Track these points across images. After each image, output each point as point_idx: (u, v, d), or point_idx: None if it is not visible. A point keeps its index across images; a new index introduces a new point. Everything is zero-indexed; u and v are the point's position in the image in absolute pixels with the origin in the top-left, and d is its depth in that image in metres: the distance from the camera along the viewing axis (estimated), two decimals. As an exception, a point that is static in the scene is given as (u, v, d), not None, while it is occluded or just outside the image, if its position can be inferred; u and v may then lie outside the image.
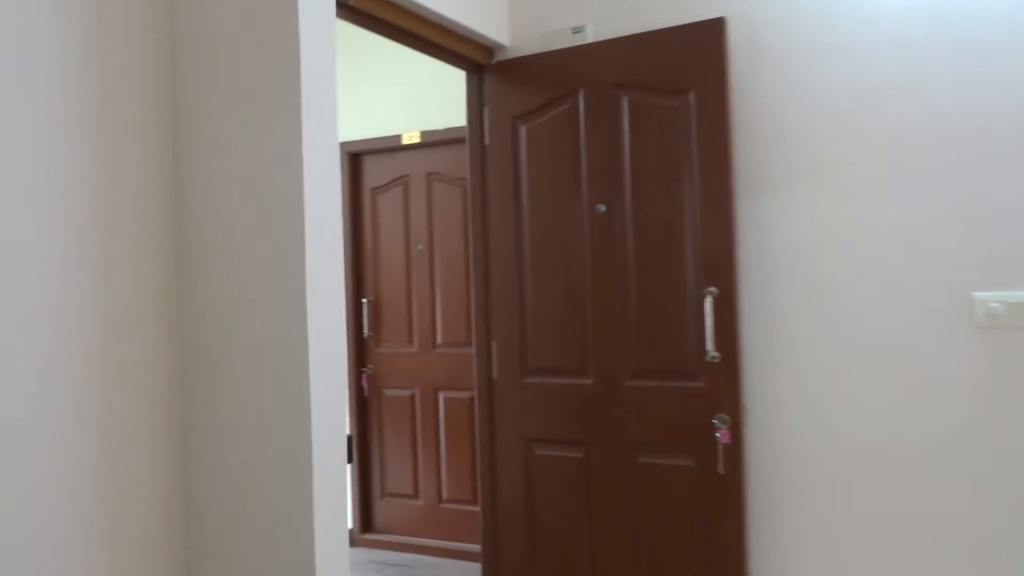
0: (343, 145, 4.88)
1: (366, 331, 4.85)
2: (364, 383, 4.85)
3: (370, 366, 4.85)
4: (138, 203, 2.09)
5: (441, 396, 4.68)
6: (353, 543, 4.84)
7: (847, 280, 2.72)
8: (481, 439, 3.21)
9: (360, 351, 4.89)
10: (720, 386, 2.74)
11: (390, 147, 4.78)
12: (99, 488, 1.97)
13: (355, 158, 4.91)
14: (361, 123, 4.85)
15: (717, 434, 2.73)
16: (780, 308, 2.81)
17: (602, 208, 2.94)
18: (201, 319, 2.20)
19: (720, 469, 2.73)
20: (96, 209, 1.98)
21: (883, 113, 2.66)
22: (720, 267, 2.75)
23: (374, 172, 4.88)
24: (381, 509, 4.85)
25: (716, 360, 2.74)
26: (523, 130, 3.12)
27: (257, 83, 2.12)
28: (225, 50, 2.16)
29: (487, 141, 3.21)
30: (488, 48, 3.19)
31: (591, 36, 3.08)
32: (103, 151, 2.01)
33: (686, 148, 2.81)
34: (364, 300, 4.86)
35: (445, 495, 4.66)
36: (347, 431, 4.87)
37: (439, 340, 4.68)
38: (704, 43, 2.78)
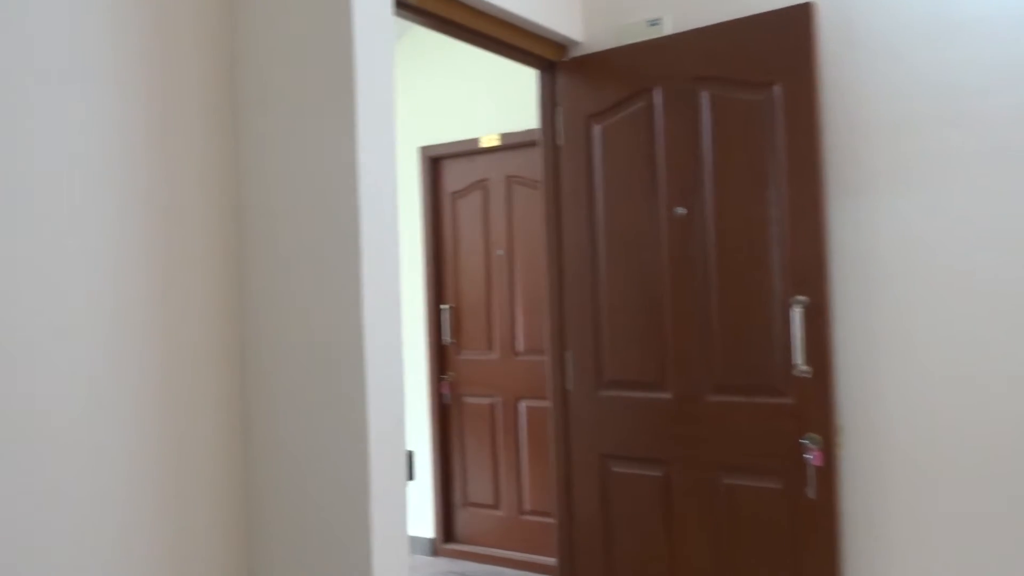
0: (423, 150, 4.83)
1: (447, 337, 4.78)
2: (445, 390, 4.78)
3: (451, 373, 4.78)
4: (198, 207, 2.05)
5: (522, 405, 4.56)
6: (435, 553, 4.77)
7: (957, 289, 2.45)
8: (555, 453, 3.07)
9: (440, 358, 4.82)
10: (810, 403, 2.52)
11: (469, 151, 4.69)
12: (159, 491, 1.93)
13: (434, 162, 4.85)
14: (440, 127, 4.78)
15: (807, 455, 2.50)
16: (878, 319, 2.56)
17: (681, 211, 2.76)
18: (260, 325, 2.15)
19: (810, 493, 2.51)
20: (157, 213, 1.94)
21: (1003, 102, 2.39)
22: (810, 274, 2.53)
23: (453, 176, 4.81)
24: (462, 519, 4.77)
25: (806, 375, 2.52)
26: (597, 129, 2.96)
27: (312, 82, 2.04)
28: (281, 49, 2.10)
29: (560, 142, 3.07)
30: (559, 44, 3.05)
31: (669, 28, 2.90)
32: (163, 154, 1.97)
33: (772, 145, 2.60)
34: (444, 306, 4.79)
35: (526, 506, 4.54)
36: (408, 446, 4.82)
37: (520, 347, 4.56)
38: (790, 31, 2.56)
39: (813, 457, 2.49)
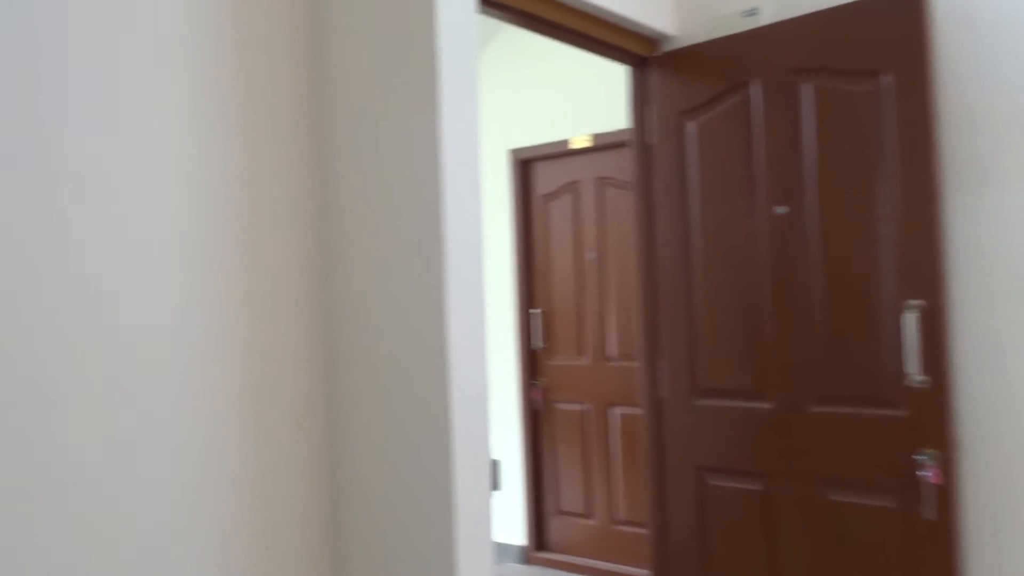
0: (512, 152, 4.77)
1: (538, 342, 4.70)
2: (536, 396, 4.70)
3: (542, 378, 4.70)
4: (282, 209, 2.04)
5: (614, 412, 4.45)
6: (526, 561, 4.70)
7: (1091, 290, 2.22)
8: (649, 464, 2.95)
9: (531, 363, 4.75)
10: (926, 416, 2.33)
11: (559, 152, 4.62)
12: (245, 506, 1.92)
13: (524, 165, 4.79)
14: (530, 129, 4.72)
15: (923, 472, 2.32)
16: (1004, 323, 2.35)
17: (782, 209, 2.61)
18: (344, 327, 2.12)
19: (927, 513, 2.32)
20: (241, 214, 1.94)
21: None
22: (925, 276, 2.34)
23: (544, 179, 4.74)
24: (554, 527, 4.68)
25: (921, 385, 2.33)
26: (691, 126, 2.83)
27: (395, 82, 2.00)
28: (364, 49, 2.07)
29: (652, 140, 2.95)
30: (651, 39, 2.94)
31: (766, 18, 2.75)
32: (246, 157, 1.97)
33: (880, 138, 2.42)
34: (535, 311, 4.72)
35: (620, 516, 4.42)
36: (496, 454, 4.75)
37: (612, 353, 4.45)
38: (901, 15, 2.38)
39: (930, 474, 2.30)
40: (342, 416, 2.12)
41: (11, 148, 1.57)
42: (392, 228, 2.02)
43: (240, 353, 1.94)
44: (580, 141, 4.51)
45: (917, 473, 2.34)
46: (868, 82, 2.45)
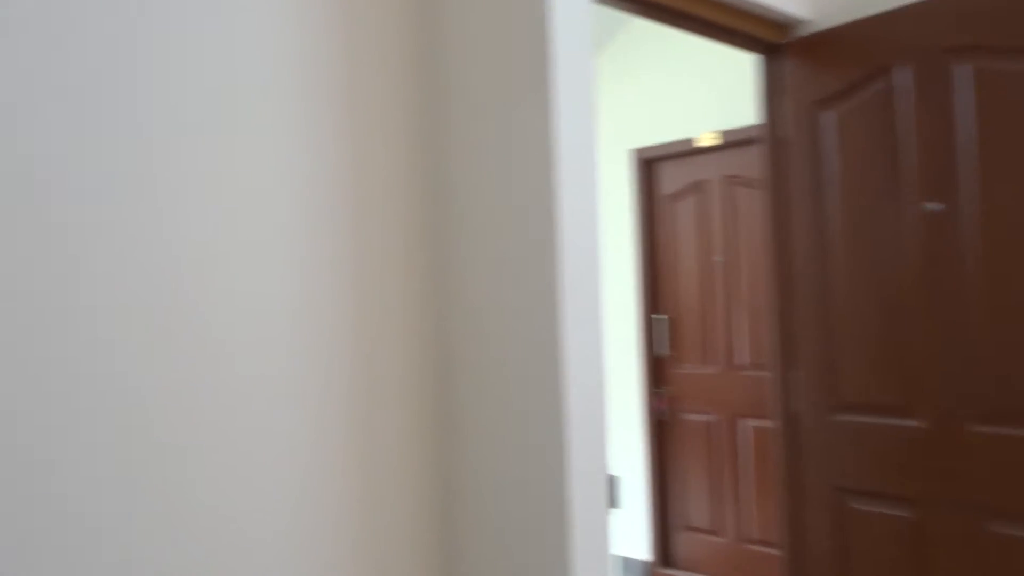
0: (636, 152, 4.61)
1: (662, 349, 4.52)
2: (661, 405, 4.52)
3: (667, 387, 4.51)
4: (391, 210, 1.98)
5: (744, 424, 4.21)
6: (650, 576, 4.52)
7: None
8: (782, 483, 2.73)
9: (656, 371, 4.57)
10: (1111, 439, 2.03)
11: (684, 151, 4.42)
12: (352, 514, 1.87)
13: (647, 165, 4.62)
14: (653, 128, 4.54)
15: (1107, 504, 2.02)
16: None
17: (936, 206, 2.35)
18: (454, 331, 2.04)
19: (1113, 552, 2.02)
20: (351, 216, 1.89)
21: None
22: (1108, 279, 2.04)
23: (668, 178, 4.55)
24: (680, 543, 4.48)
25: (1104, 404, 2.03)
26: (827, 117, 2.60)
27: (506, 79, 1.91)
28: (474, 44, 1.98)
29: (784, 134, 2.73)
30: (782, 24, 2.72)
31: (915, -6, 2.49)
32: (355, 158, 1.92)
33: (1053, 123, 2.14)
34: (659, 316, 4.53)
35: (750, 534, 4.18)
36: (615, 469, 4.57)
37: (741, 361, 4.21)
38: (1078, -19, 2.09)
39: (1116, 507, 2.00)
40: (451, 424, 2.04)
41: (134, 154, 1.56)
42: (503, 231, 1.92)
43: (349, 357, 1.89)
44: (707, 138, 4.30)
45: (1100, 505, 2.04)
46: (1037, 60, 2.16)
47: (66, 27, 1.50)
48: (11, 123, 1.43)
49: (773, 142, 2.78)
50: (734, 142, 4.20)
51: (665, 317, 4.52)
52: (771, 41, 2.70)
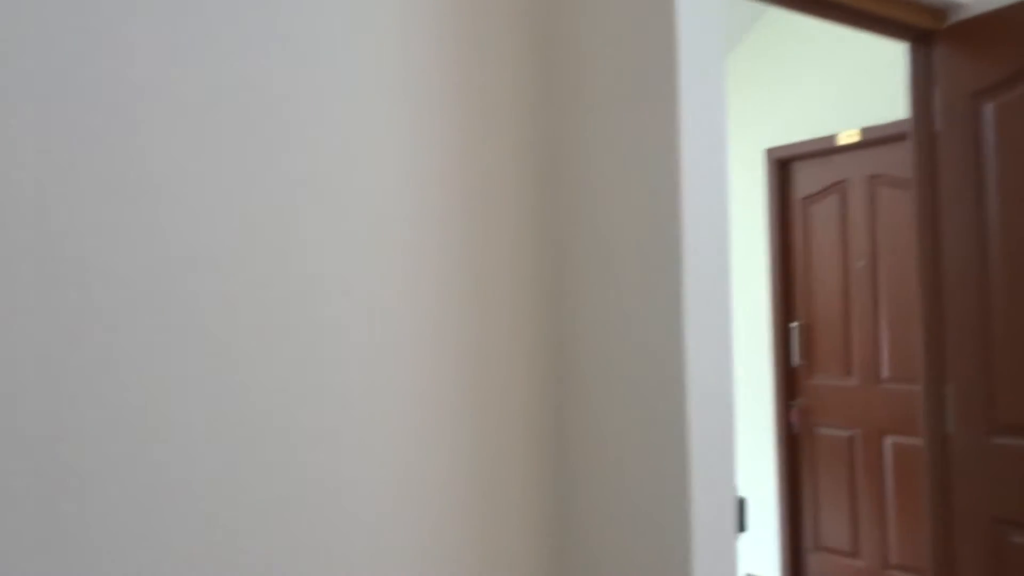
0: (769, 152, 4.39)
1: (797, 359, 4.28)
2: (794, 418, 4.28)
3: (801, 399, 4.27)
4: (512, 210, 1.93)
5: (887, 441, 3.92)
6: (781, 598, 4.29)
7: None
8: (931, 509, 2.50)
9: (789, 382, 4.33)
10: None
11: (823, 150, 4.17)
12: (467, 516, 1.82)
13: (782, 165, 4.39)
14: (789, 126, 4.31)
15: None
16: None
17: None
18: (573, 336, 1.96)
19: None
20: (471, 216, 1.86)
21: None
22: None
23: (805, 179, 4.31)
24: (813, 564, 4.22)
25: None
26: (988, 109, 2.37)
27: (630, 77, 1.81)
28: (594, 39, 1.90)
29: (937, 128, 2.51)
30: (935, 9, 2.50)
31: (1094, -31, 2.23)
32: (475, 159, 1.88)
33: None
34: (794, 324, 4.30)
35: (892, 559, 3.89)
36: (739, 492, 4.36)
37: (885, 373, 3.93)
38: None
39: None
40: (566, 439, 1.96)
41: (262, 152, 1.57)
42: (624, 236, 1.82)
43: (466, 363, 1.85)
44: (848, 136, 4.04)
45: None
46: None
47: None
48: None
49: (923, 137, 2.55)
50: (876, 139, 3.93)
51: (798, 324, 4.28)
52: (922, 27, 2.48)
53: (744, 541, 4.42)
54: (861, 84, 3.98)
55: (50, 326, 1.37)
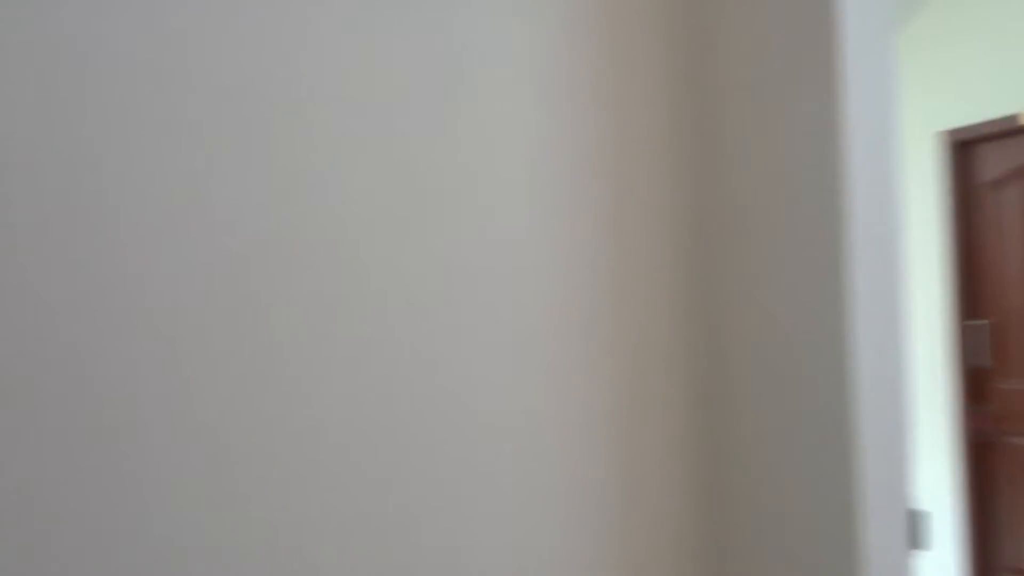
0: (945, 134, 4.04)
1: (982, 360, 3.90)
2: (980, 425, 3.90)
3: (988, 404, 3.89)
4: (653, 207, 1.86)
5: (1093, 453, 3.50)
6: (964, 623, 3.92)
7: None
8: None
9: (973, 386, 3.95)
10: None
11: (1009, 130, 3.78)
12: (612, 512, 1.75)
13: (961, 148, 4.02)
14: (967, 105, 3.96)
15: None
16: None
17: None
18: (724, 331, 1.84)
19: None
20: (611, 212, 1.81)
21: None
22: None
23: (987, 163, 3.93)
24: (1004, 587, 3.84)
25: None
26: None
27: (785, 57, 1.69)
28: (747, 19, 1.77)
29: None
30: None
31: None
32: (616, 154, 1.82)
33: None
34: (978, 321, 3.92)
35: (1102, 586, 3.46)
36: (921, 505, 4.00)
37: (1090, 377, 3.51)
38: None
39: None
40: (719, 446, 1.84)
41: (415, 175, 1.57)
42: (781, 231, 1.69)
43: (612, 361, 1.79)
44: (1035, 113, 3.65)
45: None
46: None
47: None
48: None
49: None
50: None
51: (986, 322, 3.89)
52: None
53: (922, 564, 4.08)
54: (1053, 54, 3.58)
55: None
